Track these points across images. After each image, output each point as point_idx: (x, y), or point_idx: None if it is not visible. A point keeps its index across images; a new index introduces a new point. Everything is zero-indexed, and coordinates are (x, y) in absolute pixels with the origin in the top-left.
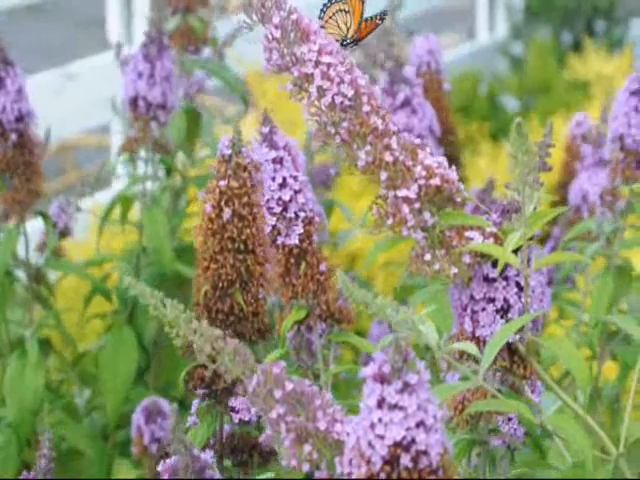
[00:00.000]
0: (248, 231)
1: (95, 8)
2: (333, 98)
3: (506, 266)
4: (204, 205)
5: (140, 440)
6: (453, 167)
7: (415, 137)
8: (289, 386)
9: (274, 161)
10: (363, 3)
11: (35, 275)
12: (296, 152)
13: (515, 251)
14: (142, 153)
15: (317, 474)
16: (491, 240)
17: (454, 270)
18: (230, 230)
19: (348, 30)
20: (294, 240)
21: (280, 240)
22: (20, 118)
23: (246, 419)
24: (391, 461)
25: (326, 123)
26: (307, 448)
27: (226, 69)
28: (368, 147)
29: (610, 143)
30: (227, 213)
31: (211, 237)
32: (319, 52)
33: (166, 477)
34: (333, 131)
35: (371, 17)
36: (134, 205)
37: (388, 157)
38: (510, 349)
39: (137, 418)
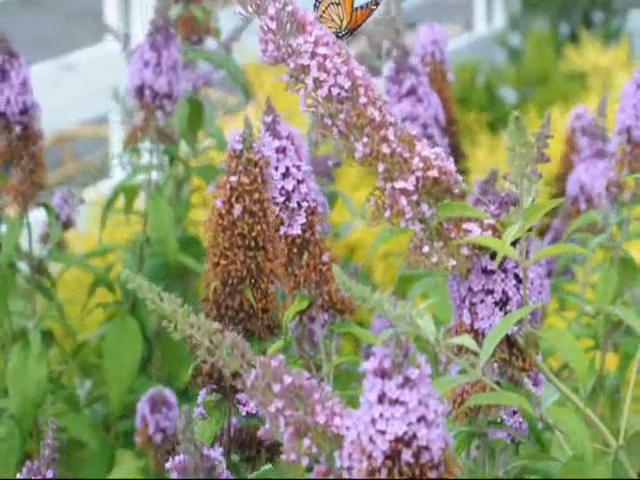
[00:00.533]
0: (259, 227)
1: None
2: (330, 90)
3: (504, 258)
4: (214, 200)
5: (145, 430)
6: (451, 158)
7: (420, 126)
8: (287, 380)
9: (277, 150)
10: None
11: (38, 266)
12: (299, 142)
13: (514, 243)
14: (146, 143)
15: (316, 468)
16: (489, 232)
17: (452, 262)
18: (240, 226)
19: (341, 22)
20: (297, 230)
21: (283, 230)
22: (24, 110)
23: (253, 412)
24: (392, 456)
25: (323, 115)
26: (306, 442)
27: (232, 62)
28: (365, 139)
29: (617, 135)
30: (238, 209)
31: (221, 233)
32: (315, 43)
33: (175, 476)
34: (330, 123)
35: (366, 4)
36: (137, 195)
37: (385, 149)
38: (509, 341)
39: (142, 408)
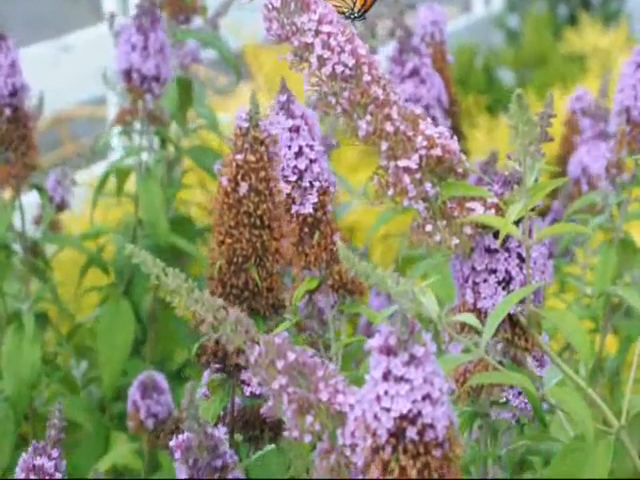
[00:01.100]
0: (264, 206)
1: None
2: (334, 68)
3: (507, 237)
4: (220, 178)
5: (136, 415)
6: (455, 137)
7: (423, 107)
8: (291, 356)
9: (291, 130)
10: None
11: (32, 248)
12: (313, 121)
13: (517, 222)
14: (137, 125)
15: (319, 445)
16: (492, 211)
17: (455, 241)
18: (246, 205)
19: (354, 4)
20: (308, 209)
21: (294, 209)
22: (14, 93)
23: (257, 392)
24: (397, 434)
25: (327, 93)
26: (309, 419)
27: (219, 39)
28: (369, 117)
29: (616, 116)
30: (243, 187)
31: (227, 211)
32: (319, 21)
33: (179, 454)
34: (334, 101)
35: None
36: (129, 177)
37: (389, 127)
38: (512, 321)
39: (133, 393)
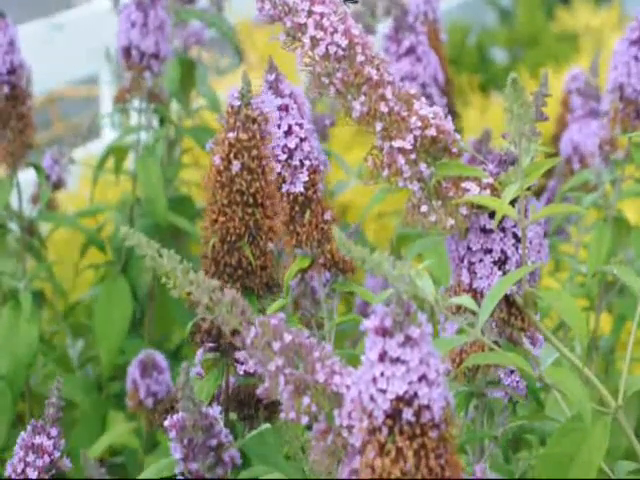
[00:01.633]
0: (257, 184)
1: None
2: (327, 48)
3: (503, 217)
4: (212, 157)
5: (135, 394)
6: (449, 117)
7: (419, 85)
8: (287, 338)
9: (280, 108)
10: None
11: (28, 227)
12: (302, 100)
13: (512, 202)
14: (135, 103)
15: (315, 426)
16: (488, 191)
17: (451, 221)
18: (239, 183)
19: None
20: (299, 188)
21: (285, 188)
22: (12, 70)
23: (251, 371)
24: (393, 415)
25: (320, 74)
26: (306, 400)
27: (223, 20)
28: (363, 97)
29: (609, 93)
30: (236, 166)
31: (219, 190)
32: (311, 1)
33: (173, 433)
34: (327, 81)
35: None
36: (128, 155)
37: (383, 107)
38: (508, 301)
39: (132, 372)
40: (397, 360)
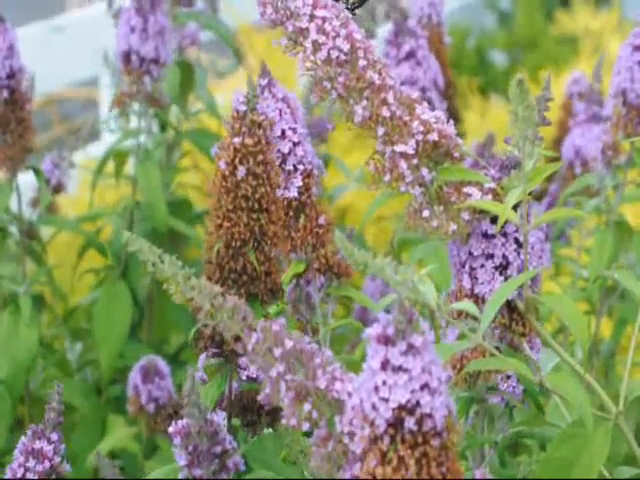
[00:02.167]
0: (262, 190)
1: None
2: (329, 52)
3: (505, 222)
4: (217, 162)
5: (137, 399)
6: (451, 121)
7: (419, 90)
8: (289, 344)
9: None
10: None
11: (28, 231)
12: (295, 104)
13: (514, 207)
14: (135, 107)
15: (316, 433)
16: (490, 196)
17: (453, 226)
18: (244, 188)
19: None
20: (293, 193)
21: (279, 193)
22: (11, 75)
23: (254, 376)
24: (395, 424)
25: (322, 78)
26: (307, 407)
27: (220, 22)
28: (365, 102)
29: (612, 98)
30: (241, 171)
31: (224, 195)
32: (313, 6)
33: (178, 440)
34: (329, 86)
35: None
36: (127, 160)
37: (385, 112)
38: (509, 306)
39: (134, 377)
40: (399, 369)
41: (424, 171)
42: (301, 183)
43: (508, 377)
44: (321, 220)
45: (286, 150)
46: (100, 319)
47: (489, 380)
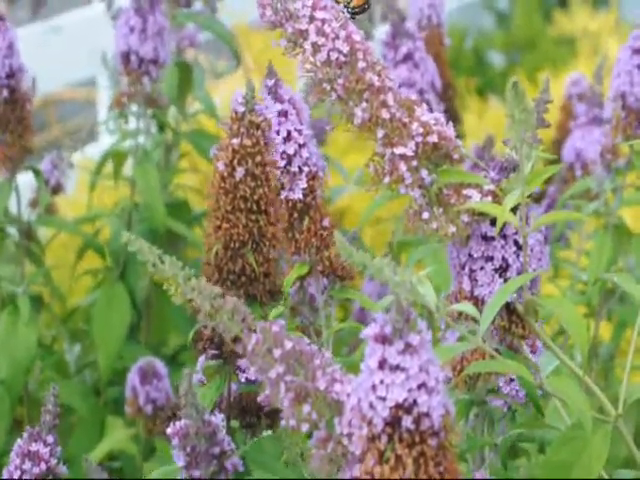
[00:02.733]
0: (261, 191)
1: None
2: (328, 54)
3: (504, 225)
4: (216, 163)
5: (135, 401)
6: (451, 123)
7: (416, 92)
8: (288, 345)
9: (279, 114)
10: None
11: (26, 231)
12: (301, 106)
13: (513, 209)
14: (134, 108)
15: (316, 434)
16: (489, 198)
17: (452, 228)
18: (243, 189)
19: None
20: (298, 194)
21: (284, 194)
22: (11, 74)
23: (253, 378)
24: (392, 423)
25: (321, 80)
26: (306, 408)
27: (218, 23)
28: (364, 104)
29: (611, 101)
30: (240, 172)
31: (223, 196)
32: (313, 7)
33: (176, 441)
34: (329, 88)
35: None
36: (126, 161)
37: (384, 114)
38: (508, 309)
39: (132, 379)
40: (397, 368)
41: (424, 173)
42: (306, 185)
43: (511, 380)
44: (325, 222)
45: (292, 152)
46: (99, 320)
47: (489, 382)
